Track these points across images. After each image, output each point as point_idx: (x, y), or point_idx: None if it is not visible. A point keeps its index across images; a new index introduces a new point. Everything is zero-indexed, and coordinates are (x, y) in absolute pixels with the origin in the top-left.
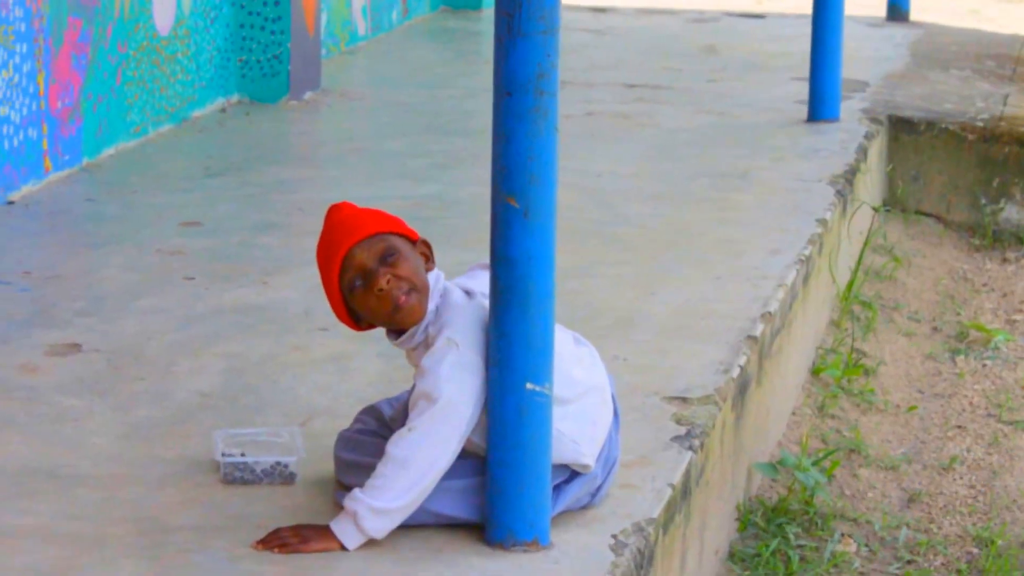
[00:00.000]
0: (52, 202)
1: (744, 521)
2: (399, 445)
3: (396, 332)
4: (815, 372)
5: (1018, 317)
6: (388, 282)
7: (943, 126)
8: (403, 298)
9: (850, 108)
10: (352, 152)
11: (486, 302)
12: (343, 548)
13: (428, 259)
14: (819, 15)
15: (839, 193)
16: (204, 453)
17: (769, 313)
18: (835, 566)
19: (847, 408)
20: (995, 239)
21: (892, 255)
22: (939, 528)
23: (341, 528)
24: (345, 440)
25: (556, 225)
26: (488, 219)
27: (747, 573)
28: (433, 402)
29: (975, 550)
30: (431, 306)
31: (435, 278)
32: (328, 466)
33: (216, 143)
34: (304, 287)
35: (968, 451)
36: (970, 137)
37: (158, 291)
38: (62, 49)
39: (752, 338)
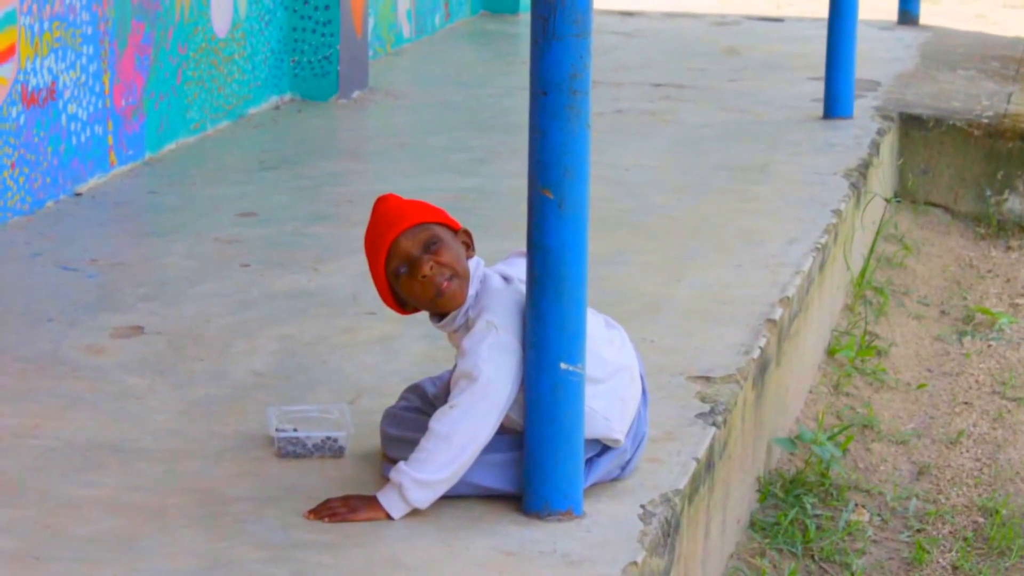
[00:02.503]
0: (117, 194)
1: (764, 492)
2: (442, 421)
3: (439, 315)
4: (830, 353)
5: (1021, 301)
6: (431, 269)
7: (951, 123)
8: (445, 284)
9: (863, 106)
10: (397, 147)
11: (523, 287)
12: (389, 517)
13: (469, 247)
14: (834, 19)
15: (853, 185)
16: (259, 429)
17: (787, 298)
18: (849, 534)
19: (860, 386)
20: (999, 228)
21: (903, 243)
22: (947, 499)
23: (387, 499)
24: (391, 416)
25: (588, 215)
26: (525, 210)
27: (767, 541)
28: (473, 381)
29: (981, 519)
30: (471, 291)
31: (475, 265)
32: (375, 441)
33: (270, 139)
34: (352, 273)
35: (974, 426)
36: (976, 133)
37: (216, 277)
38: (126, 51)
39: (771, 321)
